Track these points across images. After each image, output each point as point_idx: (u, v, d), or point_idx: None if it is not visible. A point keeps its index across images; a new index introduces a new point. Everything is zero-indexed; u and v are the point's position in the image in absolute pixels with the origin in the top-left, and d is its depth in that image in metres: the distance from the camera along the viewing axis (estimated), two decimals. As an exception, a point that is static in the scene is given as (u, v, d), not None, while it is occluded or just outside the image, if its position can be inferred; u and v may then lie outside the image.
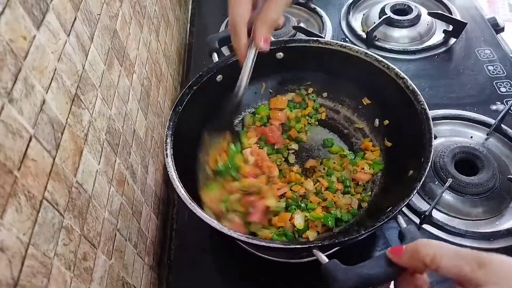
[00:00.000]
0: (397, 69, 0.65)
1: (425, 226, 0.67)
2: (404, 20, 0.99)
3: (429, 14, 1.00)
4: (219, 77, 0.72)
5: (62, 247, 0.39)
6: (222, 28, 1.06)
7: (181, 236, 0.71)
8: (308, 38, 0.74)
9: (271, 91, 0.81)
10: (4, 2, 0.33)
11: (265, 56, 0.73)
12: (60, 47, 0.42)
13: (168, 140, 0.62)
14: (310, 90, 0.80)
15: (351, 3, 1.07)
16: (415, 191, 0.52)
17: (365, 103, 0.75)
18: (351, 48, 0.69)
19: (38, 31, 0.38)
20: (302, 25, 1.00)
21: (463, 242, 0.65)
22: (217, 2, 1.15)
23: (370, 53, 0.68)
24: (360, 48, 0.69)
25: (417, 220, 0.68)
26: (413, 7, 1.01)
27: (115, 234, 0.53)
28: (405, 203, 0.52)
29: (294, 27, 0.98)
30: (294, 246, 0.51)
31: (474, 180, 0.70)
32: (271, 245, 0.51)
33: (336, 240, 0.51)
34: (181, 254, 0.69)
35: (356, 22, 1.05)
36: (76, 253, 0.42)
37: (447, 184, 0.69)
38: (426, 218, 0.66)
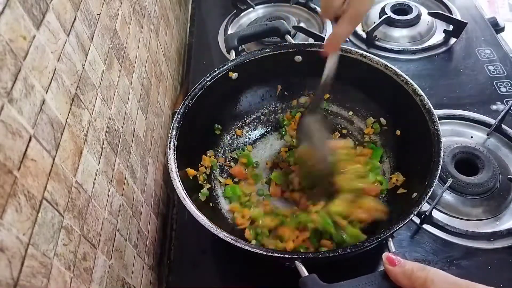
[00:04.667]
0: (415, 85, 0.64)
1: (425, 226, 0.67)
2: (404, 20, 0.99)
3: (429, 14, 1.00)
4: (234, 75, 0.73)
5: (62, 247, 0.39)
6: (222, 28, 1.06)
7: (181, 236, 0.71)
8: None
9: (286, 93, 0.81)
10: (4, 2, 0.33)
11: (283, 58, 0.74)
12: (60, 47, 0.42)
13: (174, 133, 0.62)
14: (326, 96, 0.80)
15: (351, 3, 1.07)
16: (412, 215, 0.52)
17: (382, 123, 0.74)
18: (371, 58, 0.69)
19: (37, 31, 0.38)
20: (302, 25, 1.00)
21: (463, 242, 0.65)
22: (217, 2, 1.15)
23: (390, 66, 0.67)
24: (380, 60, 0.68)
25: (417, 220, 0.68)
26: (413, 7, 1.01)
27: (115, 234, 0.53)
28: (399, 227, 0.51)
29: (294, 27, 0.98)
30: (276, 255, 0.50)
31: (474, 180, 0.70)
32: (255, 250, 0.51)
33: (320, 255, 0.51)
34: (181, 254, 0.69)
35: (356, 22, 1.05)
36: (76, 253, 0.42)
37: (447, 184, 0.69)
38: (426, 218, 0.66)
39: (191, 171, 0.65)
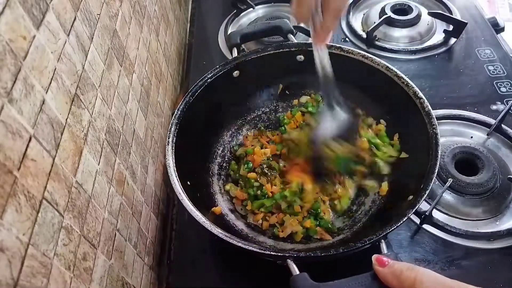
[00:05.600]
0: (416, 88, 0.64)
1: (425, 226, 0.67)
2: (404, 20, 0.99)
3: (429, 14, 1.00)
4: (236, 73, 0.73)
5: (62, 247, 0.39)
6: (222, 28, 1.06)
7: (181, 236, 0.71)
8: (330, 44, 0.74)
9: (287, 92, 0.81)
10: (4, 2, 0.33)
11: (285, 57, 0.74)
12: (59, 47, 0.42)
13: (173, 129, 0.62)
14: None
15: (351, 3, 1.07)
16: (406, 218, 0.52)
17: (382, 124, 0.74)
18: (372, 59, 0.69)
19: (37, 31, 0.38)
20: (302, 24, 1.00)
21: (463, 242, 0.65)
22: (217, 2, 1.15)
23: (392, 67, 0.67)
24: (381, 61, 0.68)
25: (417, 220, 0.68)
26: (413, 7, 1.01)
27: (115, 234, 0.53)
28: (391, 229, 0.51)
29: (294, 27, 0.98)
30: (268, 252, 0.51)
31: (474, 180, 0.70)
32: (247, 247, 0.51)
33: (312, 254, 0.51)
34: (181, 254, 0.69)
35: (356, 22, 1.05)
36: (76, 253, 0.42)
37: (447, 184, 0.69)
38: (426, 218, 0.66)
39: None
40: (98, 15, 0.53)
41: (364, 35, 0.98)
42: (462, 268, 0.62)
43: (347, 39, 1.00)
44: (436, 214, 0.68)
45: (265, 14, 1.09)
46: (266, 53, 0.74)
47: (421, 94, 0.63)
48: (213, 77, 0.70)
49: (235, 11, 1.08)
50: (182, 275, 0.66)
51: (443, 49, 0.95)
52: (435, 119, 0.61)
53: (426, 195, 0.53)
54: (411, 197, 0.56)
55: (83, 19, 0.48)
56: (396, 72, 0.67)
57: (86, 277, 0.44)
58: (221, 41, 1.02)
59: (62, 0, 0.43)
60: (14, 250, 0.32)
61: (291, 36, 0.77)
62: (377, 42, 0.97)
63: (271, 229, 0.66)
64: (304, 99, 0.80)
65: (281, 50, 0.74)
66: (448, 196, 0.70)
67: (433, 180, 0.54)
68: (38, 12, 0.38)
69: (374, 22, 0.98)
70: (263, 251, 0.51)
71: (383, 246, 0.50)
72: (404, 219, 0.51)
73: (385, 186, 0.68)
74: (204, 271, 0.66)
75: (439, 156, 0.57)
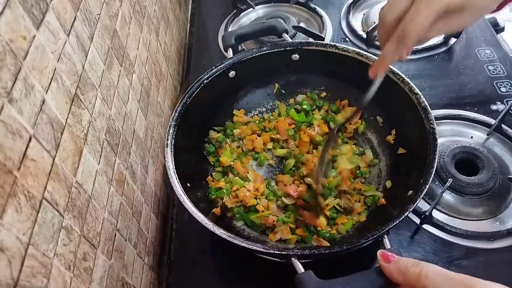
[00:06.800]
0: (411, 84, 0.64)
1: (425, 226, 0.67)
2: (404, 20, 0.99)
3: (429, 14, 1.00)
4: (232, 73, 0.73)
5: (62, 247, 0.39)
6: (222, 28, 1.06)
7: (181, 236, 0.71)
8: (325, 42, 0.74)
9: (283, 92, 0.81)
10: (4, 2, 0.33)
11: (280, 56, 0.74)
12: (59, 47, 0.42)
13: (171, 131, 0.63)
14: (323, 94, 0.80)
15: (351, 3, 1.07)
16: (408, 212, 0.52)
17: (379, 121, 0.74)
18: (368, 57, 0.69)
19: (37, 31, 0.38)
20: (302, 25, 1.00)
21: (463, 242, 0.65)
22: (217, 2, 1.15)
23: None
24: (377, 58, 0.68)
25: (417, 220, 0.68)
26: (413, 7, 1.01)
27: (115, 234, 0.53)
28: (394, 224, 0.51)
29: (294, 27, 0.98)
30: (273, 251, 0.51)
31: (474, 180, 0.70)
32: (251, 247, 0.51)
33: (316, 251, 0.51)
34: (181, 254, 0.69)
35: (356, 22, 1.05)
36: (76, 253, 0.42)
37: (447, 184, 0.69)
38: (427, 218, 0.66)
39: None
40: (98, 15, 0.53)
41: (364, 35, 0.98)
42: (462, 268, 0.62)
43: (347, 39, 1.00)
44: (436, 214, 0.68)
45: (265, 14, 1.09)
46: (261, 53, 0.74)
47: (417, 90, 0.63)
48: (209, 78, 0.70)
49: (235, 11, 1.08)
50: (182, 275, 0.66)
51: (443, 49, 0.95)
52: (432, 114, 0.61)
53: (426, 189, 0.53)
54: (411, 192, 0.57)
55: (83, 19, 0.48)
56: (391, 68, 0.67)
57: (86, 277, 0.44)
58: (221, 41, 1.02)
59: (62, 0, 0.43)
60: (14, 250, 0.32)
61: (286, 35, 0.77)
62: (377, 42, 0.97)
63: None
64: (300, 97, 0.80)
65: (276, 49, 0.74)
66: (448, 196, 0.70)
67: (432, 175, 0.55)
68: (38, 12, 0.38)
69: (374, 22, 0.98)
70: (267, 250, 0.51)
71: (386, 241, 0.50)
72: (406, 213, 0.52)
73: (388, 183, 0.68)
74: (204, 271, 0.66)
75: (437, 151, 0.57)
